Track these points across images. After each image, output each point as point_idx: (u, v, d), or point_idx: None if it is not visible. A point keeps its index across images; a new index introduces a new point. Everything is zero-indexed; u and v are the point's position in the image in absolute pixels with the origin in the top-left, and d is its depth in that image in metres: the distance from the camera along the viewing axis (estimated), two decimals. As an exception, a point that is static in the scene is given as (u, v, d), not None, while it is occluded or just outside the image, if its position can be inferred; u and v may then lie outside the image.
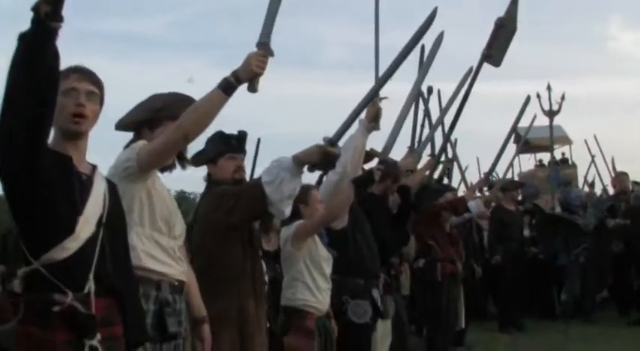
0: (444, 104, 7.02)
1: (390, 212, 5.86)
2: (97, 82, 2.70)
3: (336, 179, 4.67)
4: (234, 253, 3.77)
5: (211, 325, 3.49)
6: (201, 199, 4.01)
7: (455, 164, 9.82)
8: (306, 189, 4.59)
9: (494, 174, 9.41)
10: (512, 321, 9.82)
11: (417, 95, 4.86)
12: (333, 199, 4.53)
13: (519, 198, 11.19)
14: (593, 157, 13.27)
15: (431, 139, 6.71)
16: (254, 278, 3.84)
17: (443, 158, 7.57)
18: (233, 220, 3.64)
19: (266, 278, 4.63)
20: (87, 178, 2.64)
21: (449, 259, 7.60)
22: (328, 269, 4.57)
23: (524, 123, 8.97)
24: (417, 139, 8.07)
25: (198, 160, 4.03)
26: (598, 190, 12.89)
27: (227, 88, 3.00)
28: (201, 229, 3.88)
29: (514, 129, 7.72)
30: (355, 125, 4.64)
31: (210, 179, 4.04)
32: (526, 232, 10.87)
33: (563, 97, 11.38)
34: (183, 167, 3.39)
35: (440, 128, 7.11)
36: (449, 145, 7.71)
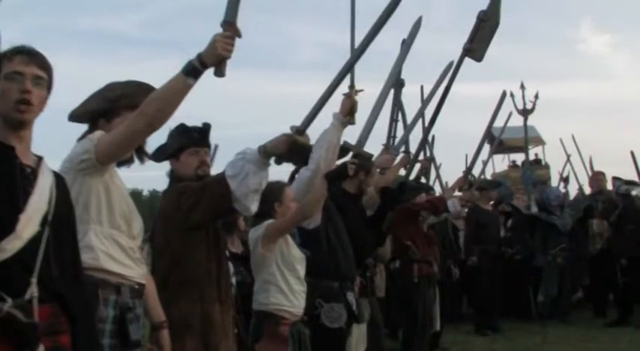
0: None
1: (364, 211, 5.63)
2: (44, 66, 2.45)
3: (309, 175, 4.41)
4: (198, 253, 3.51)
5: (172, 331, 3.27)
6: (162, 196, 3.74)
7: (431, 163, 9.64)
8: (280, 186, 4.35)
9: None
10: (488, 323, 9.68)
11: (394, 83, 4.62)
12: (305, 196, 4.28)
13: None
14: (568, 156, 13.21)
15: (408, 135, 6.48)
16: (219, 281, 3.57)
17: (421, 156, 7.34)
18: (195, 217, 3.37)
19: (233, 281, 4.38)
20: (31, 171, 2.40)
21: (426, 260, 7.40)
22: (302, 271, 4.32)
23: (498, 123, 8.97)
24: (392, 135, 7.93)
25: (159, 155, 3.78)
26: (572, 189, 12.82)
27: (191, 72, 2.76)
28: (163, 228, 3.62)
29: (491, 125, 7.57)
30: (329, 118, 4.41)
31: (172, 175, 3.78)
32: (502, 233, 10.74)
33: (536, 96, 11.27)
34: (142, 161, 3.13)
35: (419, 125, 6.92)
36: (427, 143, 7.46)
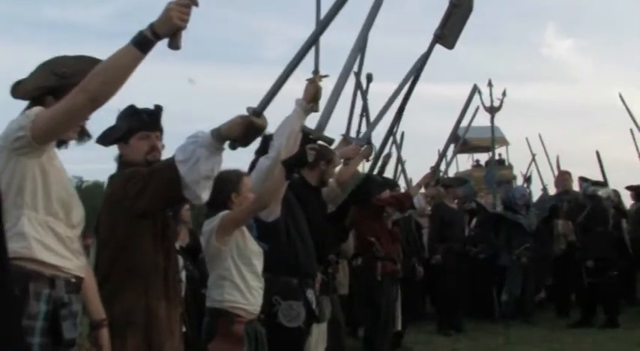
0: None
1: (325, 204, 5.39)
2: None
3: (268, 165, 4.16)
4: (144, 243, 3.22)
5: (113, 328, 3.02)
6: (109, 182, 3.44)
7: (396, 158, 9.44)
8: (237, 175, 4.08)
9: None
10: (452, 322, 9.54)
11: (355, 58, 4.34)
12: (263, 185, 4.01)
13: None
14: (534, 156, 13.14)
15: (374, 127, 6.24)
16: (167, 275, 3.28)
17: (387, 150, 7.10)
18: (142, 205, 3.08)
19: (182, 276, 4.09)
20: None
21: (390, 258, 7.20)
22: (259, 266, 4.05)
23: (464, 122, 8.77)
24: (357, 128, 7.72)
25: (107, 138, 3.48)
26: (536, 190, 12.75)
27: (142, 43, 2.50)
28: (107, 216, 3.33)
29: (461, 119, 7.39)
30: (291, 105, 4.17)
31: (120, 160, 3.49)
32: (466, 232, 10.60)
33: (504, 94, 11.18)
34: (82, 141, 2.85)
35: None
36: (392, 136, 7.20)
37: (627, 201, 11.53)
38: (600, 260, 9.49)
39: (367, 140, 6.11)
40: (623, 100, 10.38)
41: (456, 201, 10.20)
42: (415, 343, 8.65)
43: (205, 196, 2.99)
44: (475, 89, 7.44)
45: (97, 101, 2.53)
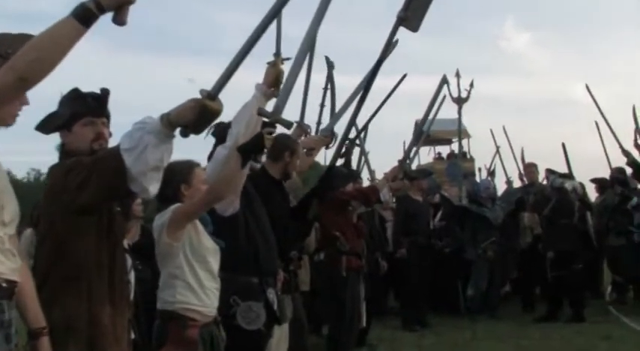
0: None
1: (288, 197, 5.11)
2: None
3: (225, 154, 3.84)
4: (86, 242, 2.89)
5: (53, 335, 2.71)
6: (49, 173, 3.11)
7: (359, 150, 9.21)
8: (187, 166, 3.77)
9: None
10: (417, 317, 9.39)
11: (312, 39, 4.07)
12: (217, 175, 3.69)
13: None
14: (498, 148, 13.01)
15: (339, 117, 5.96)
16: (112, 277, 2.96)
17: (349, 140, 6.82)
18: (84, 199, 2.75)
19: (131, 277, 3.77)
20: None
21: (354, 253, 6.95)
22: (215, 264, 3.74)
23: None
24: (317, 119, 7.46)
25: (47, 126, 3.14)
26: (499, 183, 12.59)
27: (84, 17, 2.23)
28: (47, 210, 3.00)
29: (430, 109, 7.16)
30: (250, 89, 3.87)
31: (62, 150, 3.15)
32: (431, 225, 10.39)
33: (471, 85, 11.00)
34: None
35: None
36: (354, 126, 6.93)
37: (592, 194, 11.49)
38: (564, 253, 9.37)
39: (331, 131, 5.85)
40: (589, 91, 10.26)
41: (420, 193, 10.00)
42: (380, 339, 8.44)
43: (154, 188, 2.68)
44: (444, 80, 7.23)
45: (27, 81, 2.22)
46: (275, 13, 2.94)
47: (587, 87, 10.33)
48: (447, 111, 11.19)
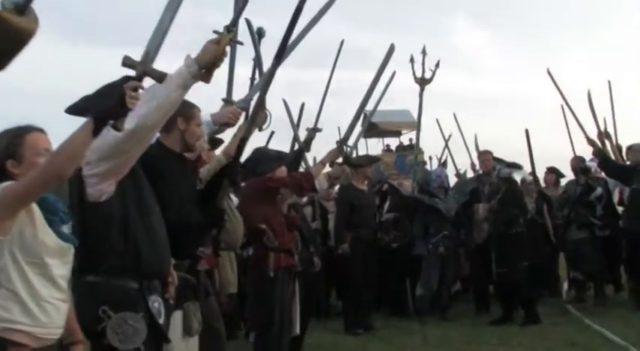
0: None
1: (197, 176, 4.11)
2: None
3: (122, 137, 2.87)
4: None
5: None
6: None
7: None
8: (15, 135, 2.71)
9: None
10: (360, 320, 8.55)
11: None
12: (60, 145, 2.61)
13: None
14: (449, 136, 12.15)
15: (257, 90, 4.94)
16: None
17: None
18: None
19: None
20: None
21: (284, 249, 5.95)
22: (62, 268, 2.65)
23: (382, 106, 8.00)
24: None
25: None
26: (449, 176, 11.78)
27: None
28: None
29: (376, 81, 6.19)
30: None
31: None
32: (377, 217, 9.52)
33: (437, 65, 10.08)
34: None
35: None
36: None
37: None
38: (510, 249, 8.55)
39: (249, 102, 4.85)
40: (551, 76, 9.48)
41: (366, 182, 9.07)
42: (319, 345, 7.60)
43: None
44: (392, 49, 6.26)
45: None
46: None
47: (549, 71, 9.55)
48: (396, 103, 10.36)
